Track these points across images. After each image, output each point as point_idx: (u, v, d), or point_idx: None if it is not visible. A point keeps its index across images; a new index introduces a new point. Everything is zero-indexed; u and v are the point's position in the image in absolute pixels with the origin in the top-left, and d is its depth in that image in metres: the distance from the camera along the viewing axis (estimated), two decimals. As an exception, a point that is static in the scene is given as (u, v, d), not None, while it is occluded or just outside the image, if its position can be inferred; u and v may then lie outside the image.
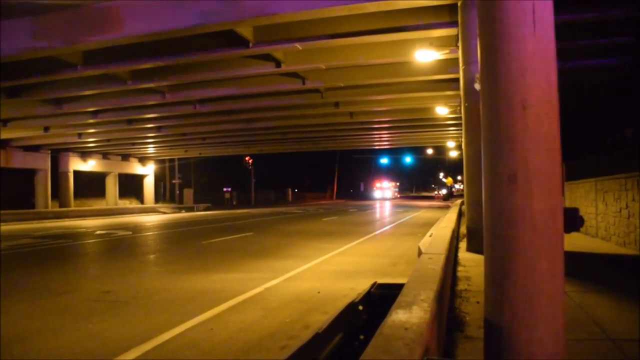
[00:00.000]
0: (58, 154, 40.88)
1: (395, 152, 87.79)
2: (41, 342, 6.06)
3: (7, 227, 26.93)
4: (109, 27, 12.87)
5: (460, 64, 10.71)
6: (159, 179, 55.94)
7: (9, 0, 12.52)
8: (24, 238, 19.84)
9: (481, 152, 2.97)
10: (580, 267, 8.63)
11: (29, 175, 39.21)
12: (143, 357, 5.37)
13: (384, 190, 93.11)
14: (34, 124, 28.25)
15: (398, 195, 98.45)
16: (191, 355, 5.47)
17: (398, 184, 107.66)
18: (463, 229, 12.64)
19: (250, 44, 13.99)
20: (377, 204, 57.47)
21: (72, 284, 10.03)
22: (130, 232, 22.61)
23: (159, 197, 55.64)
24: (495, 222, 2.84)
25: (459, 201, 33.33)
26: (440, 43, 13.75)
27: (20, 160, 37.17)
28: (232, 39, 13.97)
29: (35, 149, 37.93)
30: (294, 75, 18.96)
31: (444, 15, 12.54)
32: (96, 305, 7.97)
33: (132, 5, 12.58)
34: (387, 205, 55.90)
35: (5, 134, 31.84)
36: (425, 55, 14.02)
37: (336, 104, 24.32)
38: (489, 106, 2.89)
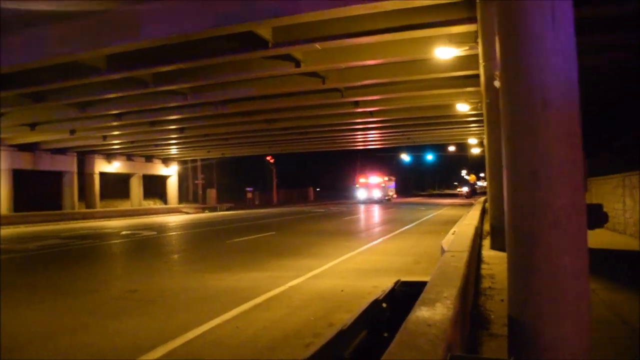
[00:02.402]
0: (84, 156, 41.50)
1: (417, 150, 75.73)
2: (70, 338, 6.21)
3: (35, 228, 27.47)
4: (131, 31, 13.04)
5: (480, 60, 10.65)
6: (182, 180, 56.41)
7: (34, 8, 12.77)
8: (52, 239, 20.22)
9: (502, 149, 2.99)
10: (608, 264, 8.53)
11: (56, 177, 39.89)
12: (170, 355, 5.46)
13: (369, 188, 62.35)
14: (60, 127, 28.74)
15: (395, 196, 70.81)
16: (217, 352, 5.55)
17: (394, 179, 74.50)
18: (487, 227, 12.57)
19: (270, 45, 14.04)
20: (402, 203, 57.08)
21: (99, 283, 10.23)
22: (155, 232, 22.90)
23: (182, 197, 56.10)
24: (518, 218, 2.85)
25: (482, 198, 33.06)
26: (459, 40, 13.67)
27: (47, 163, 37.86)
28: (251, 40, 14.04)
29: (62, 151, 38.58)
30: (313, 75, 18.99)
31: (463, 12, 12.44)
32: (123, 304, 8.12)
33: (153, 9, 12.72)
34: (407, 204, 55.54)
35: (33, 138, 32.54)
36: (445, 52, 13.95)
37: (356, 103, 24.28)
38: (509, 103, 2.90)
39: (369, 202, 58.11)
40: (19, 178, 35.56)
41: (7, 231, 25.75)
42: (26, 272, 12.36)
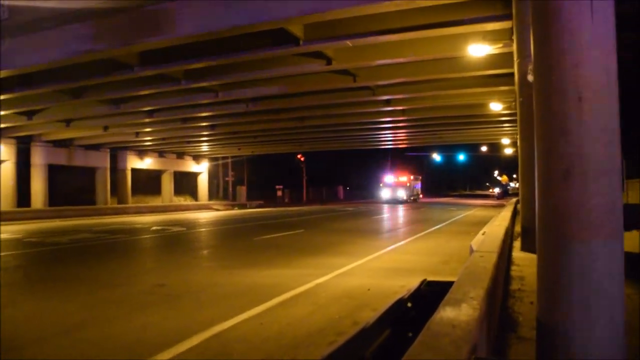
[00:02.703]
0: (117, 153, 42.30)
1: (448, 150, 73.25)
2: (98, 330, 6.29)
3: (69, 222, 28.06)
4: (163, 28, 13.20)
5: (515, 58, 10.41)
6: (212, 177, 57.00)
7: (68, 6, 13.02)
8: (85, 233, 20.61)
9: (534, 147, 2.89)
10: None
11: (90, 172, 40.76)
12: (194, 349, 5.47)
13: (394, 187, 58.63)
14: (94, 123, 29.35)
15: (421, 196, 68.13)
16: (241, 348, 5.54)
17: (420, 178, 70.28)
18: (518, 228, 12.33)
19: (301, 42, 14.04)
20: (432, 203, 56.54)
21: (128, 277, 10.37)
22: (185, 228, 23.14)
23: (212, 194, 56.70)
24: (549, 218, 2.74)
25: (514, 199, 32.55)
26: (493, 37, 13.42)
27: (81, 159, 38.71)
28: (282, 37, 14.07)
29: (96, 147, 39.40)
30: (344, 72, 18.92)
31: (498, 8, 12.22)
32: (150, 298, 8.20)
33: (184, 6, 12.85)
34: (438, 204, 55.02)
35: (68, 134, 33.31)
36: (478, 49, 13.72)
37: (388, 101, 24.15)
38: (543, 98, 2.79)
39: (394, 202, 55.20)
40: (54, 173, 36.43)
41: (42, 225, 26.39)
42: (58, 265, 12.62)
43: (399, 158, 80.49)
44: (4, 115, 25.35)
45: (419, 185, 67.72)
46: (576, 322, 2.57)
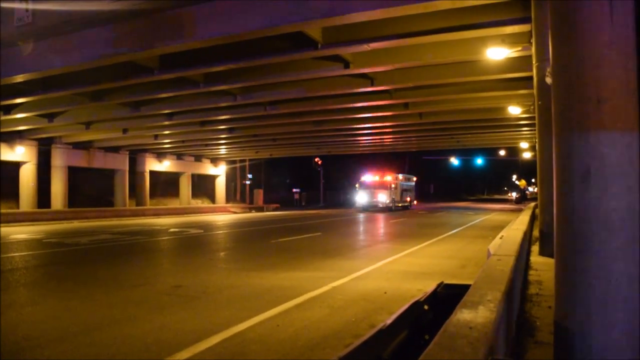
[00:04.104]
0: (136, 155, 42.69)
1: (466, 154, 74.15)
2: (117, 330, 6.35)
3: (88, 224, 28.40)
4: (183, 32, 13.31)
5: (534, 61, 10.33)
6: (230, 179, 57.26)
7: (88, 9, 13.21)
8: (104, 234, 20.84)
9: (552, 149, 2.87)
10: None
11: (109, 174, 41.22)
12: (211, 350, 5.51)
13: (373, 190, 45.12)
14: (114, 126, 29.67)
15: (415, 203, 54.78)
16: (257, 349, 5.57)
17: (415, 179, 57.17)
18: (536, 233, 12.22)
19: (319, 45, 14.06)
20: (451, 207, 55.99)
21: (146, 278, 10.46)
22: (202, 231, 23.30)
23: (230, 197, 56.94)
24: (567, 220, 2.73)
25: (532, 204, 32.23)
26: (512, 40, 13.32)
27: (101, 161, 39.15)
28: (301, 41, 14.10)
29: (115, 150, 39.82)
30: (362, 76, 18.91)
31: (517, 11, 12.13)
32: (168, 299, 8.27)
33: (205, 10, 12.94)
34: (455, 208, 54.53)
35: (88, 136, 33.73)
36: (497, 52, 13.62)
37: (405, 105, 24.07)
38: (561, 100, 2.78)
39: (371, 208, 44.30)
40: (74, 175, 36.90)
41: (62, 226, 26.75)
42: (78, 265, 12.77)
43: (416, 161, 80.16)
44: (25, 118, 25.81)
45: (412, 187, 54.39)
46: (594, 323, 2.55)
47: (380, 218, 33.54)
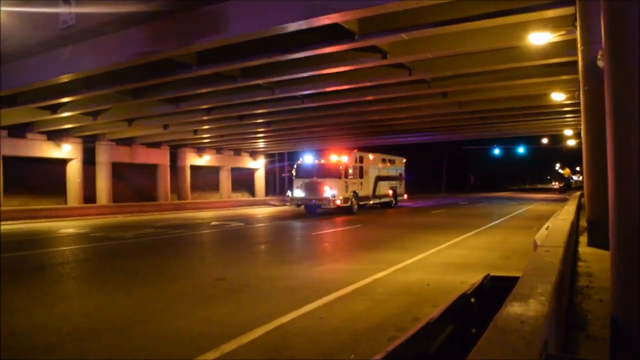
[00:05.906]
0: (176, 150, 43.36)
1: (507, 142, 70.58)
2: (162, 323, 6.46)
3: (131, 218, 29.04)
4: (219, 28, 13.40)
5: (579, 45, 9.98)
6: (269, 173, 57.61)
7: (125, 11, 13.45)
8: (147, 228, 21.27)
9: (606, 136, 2.74)
10: None
11: (151, 169, 42.03)
12: (254, 343, 5.54)
13: (314, 180, 28.55)
14: (155, 122, 30.21)
15: (405, 196, 38.71)
16: (300, 342, 5.57)
17: (404, 161, 39.89)
18: (583, 222, 11.88)
19: (356, 37, 13.93)
20: (493, 198, 55.10)
21: (189, 271, 10.63)
22: (243, 224, 23.53)
23: (269, 190, 57.32)
24: (624, 211, 2.60)
25: (577, 193, 31.39)
26: (555, 24, 12.91)
27: (143, 156, 39.95)
28: (337, 33, 14.00)
29: (156, 145, 40.54)
30: (399, 66, 18.67)
31: (560, -6, 11.76)
32: (211, 291, 8.37)
33: (239, 5, 12.99)
34: (497, 198, 53.57)
35: (130, 133, 34.45)
36: (539, 37, 13.24)
37: (444, 94, 23.70)
38: (616, 84, 2.65)
39: (310, 207, 29.44)
40: (117, 171, 37.80)
41: (107, 220, 27.44)
42: (122, 259, 13.04)
43: (457, 151, 78.93)
44: (71, 116, 26.56)
45: (397, 174, 37.66)
46: (656, 319, 2.44)
47: (418, 209, 33.06)
